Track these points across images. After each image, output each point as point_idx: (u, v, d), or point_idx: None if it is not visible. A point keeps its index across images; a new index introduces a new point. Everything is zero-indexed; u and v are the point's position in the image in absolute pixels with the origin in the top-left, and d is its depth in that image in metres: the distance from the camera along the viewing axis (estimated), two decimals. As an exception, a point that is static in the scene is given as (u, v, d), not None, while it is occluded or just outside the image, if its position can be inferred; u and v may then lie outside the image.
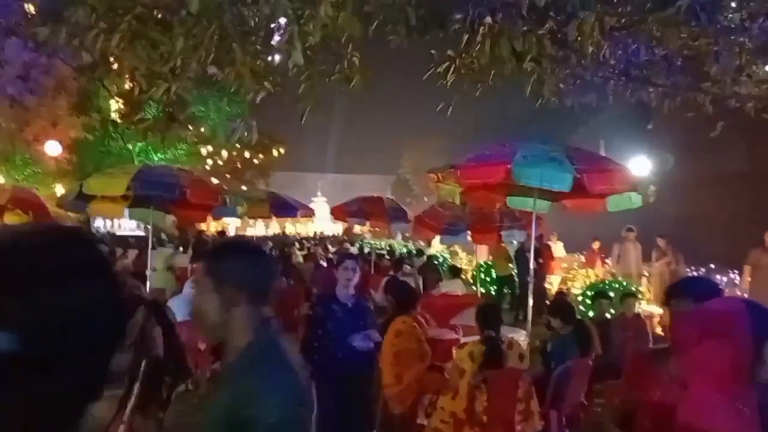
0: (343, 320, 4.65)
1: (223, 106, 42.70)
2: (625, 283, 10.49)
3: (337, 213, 14.30)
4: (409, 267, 14.69)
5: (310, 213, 12.27)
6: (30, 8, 12.10)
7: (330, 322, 4.66)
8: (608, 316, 7.41)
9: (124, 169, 7.72)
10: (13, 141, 14.76)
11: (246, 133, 4.22)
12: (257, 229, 57.43)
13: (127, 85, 14.43)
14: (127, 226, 43.59)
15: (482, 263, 14.92)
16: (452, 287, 9.76)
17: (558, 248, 15.04)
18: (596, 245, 14.89)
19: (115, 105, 13.53)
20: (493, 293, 13.97)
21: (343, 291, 4.80)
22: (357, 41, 3.93)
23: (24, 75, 13.95)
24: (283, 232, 49.25)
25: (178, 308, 6.82)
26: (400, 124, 71.10)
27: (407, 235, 28.10)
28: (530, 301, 6.71)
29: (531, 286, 6.77)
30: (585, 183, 5.21)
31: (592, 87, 4.74)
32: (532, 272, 6.92)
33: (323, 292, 6.75)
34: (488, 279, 14.08)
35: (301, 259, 18.79)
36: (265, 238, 36.63)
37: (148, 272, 8.01)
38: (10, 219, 11.10)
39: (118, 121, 13.78)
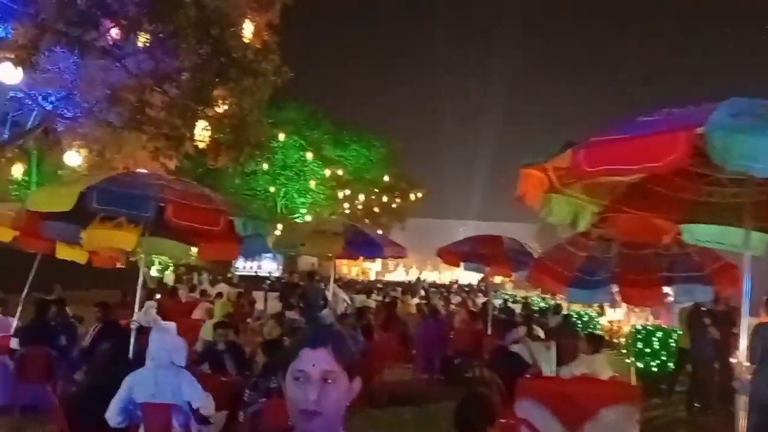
0: None
1: (361, 151, 42.40)
2: None
3: (447, 255, 11.54)
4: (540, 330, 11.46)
5: (401, 253, 9.60)
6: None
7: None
8: None
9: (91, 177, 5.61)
10: (105, 168, 13.76)
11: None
12: (397, 274, 55.82)
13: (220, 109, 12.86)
14: (266, 267, 43.47)
15: (641, 327, 11.19)
16: (593, 366, 6.50)
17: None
18: None
19: (202, 134, 12.06)
20: (655, 369, 10.22)
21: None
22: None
23: (113, 96, 12.94)
24: (418, 279, 46.92)
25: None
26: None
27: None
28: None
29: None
30: None
31: None
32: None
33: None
34: (648, 350, 10.35)
35: (413, 309, 16.13)
36: (387, 284, 34.29)
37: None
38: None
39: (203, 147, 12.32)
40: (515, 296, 28.17)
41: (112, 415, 4.46)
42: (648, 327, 10.94)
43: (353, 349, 1.73)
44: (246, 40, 10.27)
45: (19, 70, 10.02)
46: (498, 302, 21.76)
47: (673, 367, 9.88)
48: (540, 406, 5.85)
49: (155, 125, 10.67)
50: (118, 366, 5.37)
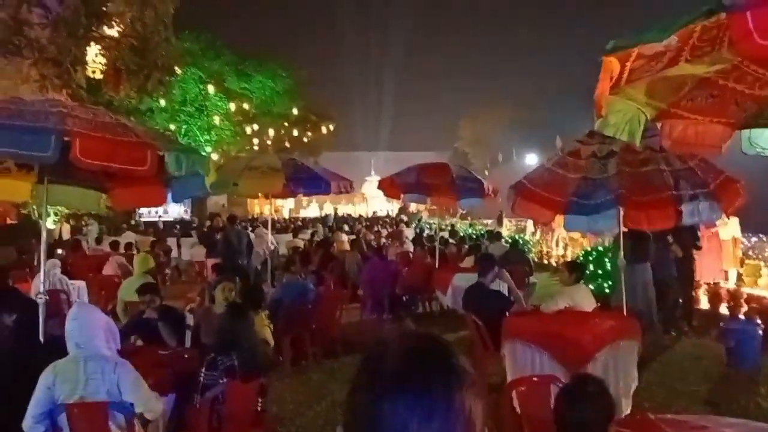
0: None
1: (266, 82, 39.90)
2: None
3: (388, 187, 10.66)
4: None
5: (348, 187, 8.58)
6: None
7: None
8: None
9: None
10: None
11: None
12: (310, 210, 54.51)
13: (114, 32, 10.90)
14: (174, 211, 40.69)
15: (590, 250, 10.98)
16: (576, 298, 5.91)
17: (730, 226, 10.16)
18: None
19: (95, 62, 10.06)
20: (608, 291, 10.02)
21: None
22: None
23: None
24: (336, 214, 45.92)
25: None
26: (455, 95, 66.09)
27: (504, 215, 23.43)
28: None
29: None
30: None
31: None
32: None
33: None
34: (601, 271, 10.12)
35: (347, 246, 15.32)
36: (305, 221, 33.20)
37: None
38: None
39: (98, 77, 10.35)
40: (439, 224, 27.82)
41: (31, 423, 3.35)
42: (599, 248, 10.70)
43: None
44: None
45: None
46: (427, 232, 21.36)
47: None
48: (534, 348, 5.24)
49: (37, 49, 8.72)
50: (28, 353, 4.18)
